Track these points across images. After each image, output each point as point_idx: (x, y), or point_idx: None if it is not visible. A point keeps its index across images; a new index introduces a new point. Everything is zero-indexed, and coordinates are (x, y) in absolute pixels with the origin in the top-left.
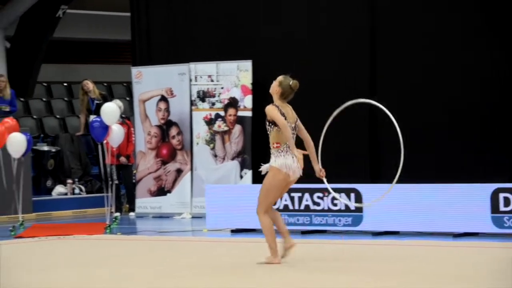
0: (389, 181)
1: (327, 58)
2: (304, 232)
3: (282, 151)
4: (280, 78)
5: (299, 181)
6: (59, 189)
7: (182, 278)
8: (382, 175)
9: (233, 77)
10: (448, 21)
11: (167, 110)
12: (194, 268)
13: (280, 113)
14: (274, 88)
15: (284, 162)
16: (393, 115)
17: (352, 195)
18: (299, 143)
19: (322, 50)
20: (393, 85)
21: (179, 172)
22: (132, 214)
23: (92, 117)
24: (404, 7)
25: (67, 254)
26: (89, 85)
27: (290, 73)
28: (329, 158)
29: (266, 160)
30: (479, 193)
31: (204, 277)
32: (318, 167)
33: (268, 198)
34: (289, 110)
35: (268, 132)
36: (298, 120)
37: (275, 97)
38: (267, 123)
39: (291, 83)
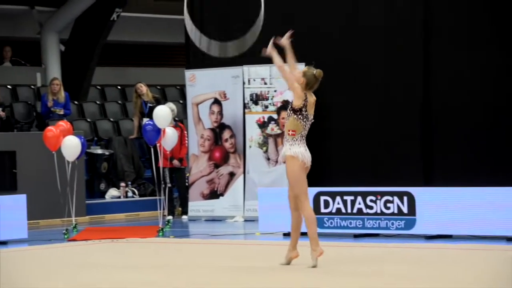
0: (443, 183)
1: (382, 60)
2: (357, 236)
3: (296, 139)
4: (304, 68)
5: (352, 184)
6: (112, 192)
7: (227, 281)
8: (435, 178)
9: None
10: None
11: (220, 113)
12: (242, 270)
13: (304, 99)
14: (299, 79)
15: (299, 150)
16: (447, 114)
17: (405, 198)
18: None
19: (377, 53)
20: (446, 89)
21: (231, 175)
22: (184, 217)
23: (145, 120)
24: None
25: (119, 257)
26: (143, 88)
27: (313, 63)
28: (382, 161)
29: (319, 163)
30: None
31: (248, 279)
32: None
33: (302, 186)
34: (312, 101)
35: (287, 117)
36: None
37: (301, 88)
38: (289, 107)
39: (315, 72)
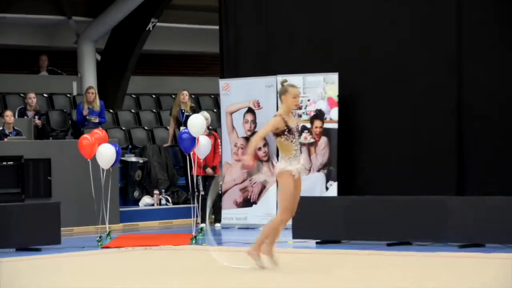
0: (476, 193)
1: (414, 72)
2: (390, 244)
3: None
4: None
5: (387, 193)
6: (146, 199)
7: None
8: (468, 188)
9: (320, 89)
10: None
11: (254, 121)
12: (273, 277)
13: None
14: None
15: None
16: (480, 124)
17: (438, 207)
18: None
19: (409, 65)
20: (480, 100)
21: (265, 183)
22: (217, 225)
23: (182, 129)
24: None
25: (151, 264)
26: (187, 97)
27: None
28: (415, 170)
29: (352, 172)
30: None
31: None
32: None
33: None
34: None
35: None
36: None
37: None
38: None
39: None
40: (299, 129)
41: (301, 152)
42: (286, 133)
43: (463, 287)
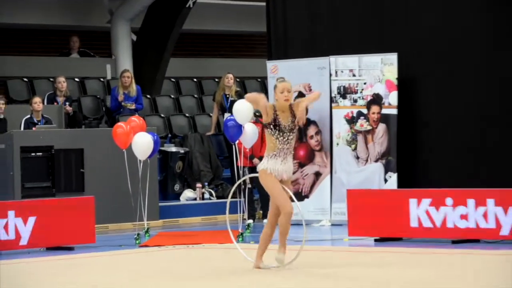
0: None
1: (478, 52)
2: (455, 242)
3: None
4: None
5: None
6: (187, 193)
7: None
8: None
9: (377, 71)
10: None
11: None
12: (325, 279)
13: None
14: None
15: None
16: None
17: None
18: None
19: (473, 44)
20: None
21: (317, 175)
22: (265, 220)
23: (227, 115)
24: None
25: (194, 264)
26: (231, 80)
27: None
28: (482, 160)
29: (413, 163)
30: None
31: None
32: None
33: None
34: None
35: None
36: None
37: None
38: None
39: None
40: (292, 129)
41: (289, 153)
42: (271, 126)
43: None
